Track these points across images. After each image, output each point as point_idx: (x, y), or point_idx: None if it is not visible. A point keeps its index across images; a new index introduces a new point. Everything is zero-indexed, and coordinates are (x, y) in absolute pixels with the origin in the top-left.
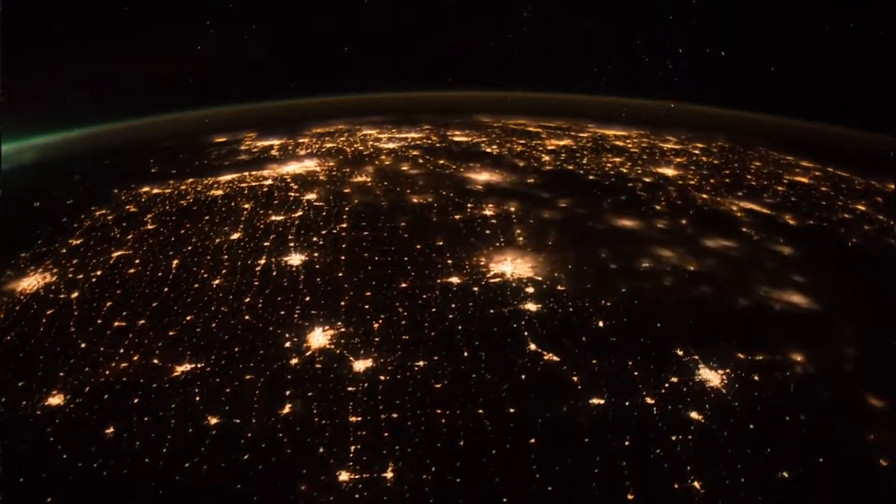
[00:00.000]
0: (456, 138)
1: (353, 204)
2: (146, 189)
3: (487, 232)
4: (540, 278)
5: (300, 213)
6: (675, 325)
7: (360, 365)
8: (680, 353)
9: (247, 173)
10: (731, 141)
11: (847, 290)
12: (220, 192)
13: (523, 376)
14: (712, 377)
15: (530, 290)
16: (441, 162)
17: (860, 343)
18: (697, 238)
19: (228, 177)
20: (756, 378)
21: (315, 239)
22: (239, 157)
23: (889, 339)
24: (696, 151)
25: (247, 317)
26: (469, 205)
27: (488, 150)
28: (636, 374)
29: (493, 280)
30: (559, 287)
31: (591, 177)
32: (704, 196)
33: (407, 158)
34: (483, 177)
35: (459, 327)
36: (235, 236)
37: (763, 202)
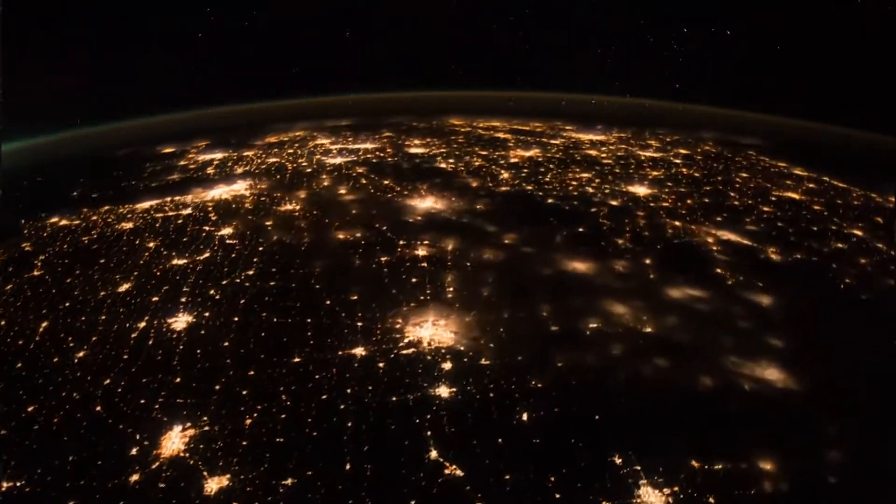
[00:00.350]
0: (412, 149)
1: (270, 242)
2: (55, 220)
3: (414, 280)
4: (462, 347)
5: (207, 255)
6: (617, 417)
7: (213, 484)
8: (618, 461)
9: (169, 199)
10: (720, 144)
11: (835, 359)
12: (129, 226)
13: (413, 502)
14: (654, 499)
15: (447, 365)
16: (385, 183)
17: (848, 442)
18: (661, 285)
19: (148, 203)
20: (711, 501)
21: (213, 292)
22: (171, 175)
23: (886, 433)
24: (678, 161)
25: (98, 408)
26: (401, 242)
27: (443, 164)
28: (557, 496)
29: (405, 351)
30: (483, 361)
31: (549, 200)
32: (677, 224)
33: (349, 178)
34: (426, 203)
35: (349, 424)
36: (124, 288)
37: (744, 230)
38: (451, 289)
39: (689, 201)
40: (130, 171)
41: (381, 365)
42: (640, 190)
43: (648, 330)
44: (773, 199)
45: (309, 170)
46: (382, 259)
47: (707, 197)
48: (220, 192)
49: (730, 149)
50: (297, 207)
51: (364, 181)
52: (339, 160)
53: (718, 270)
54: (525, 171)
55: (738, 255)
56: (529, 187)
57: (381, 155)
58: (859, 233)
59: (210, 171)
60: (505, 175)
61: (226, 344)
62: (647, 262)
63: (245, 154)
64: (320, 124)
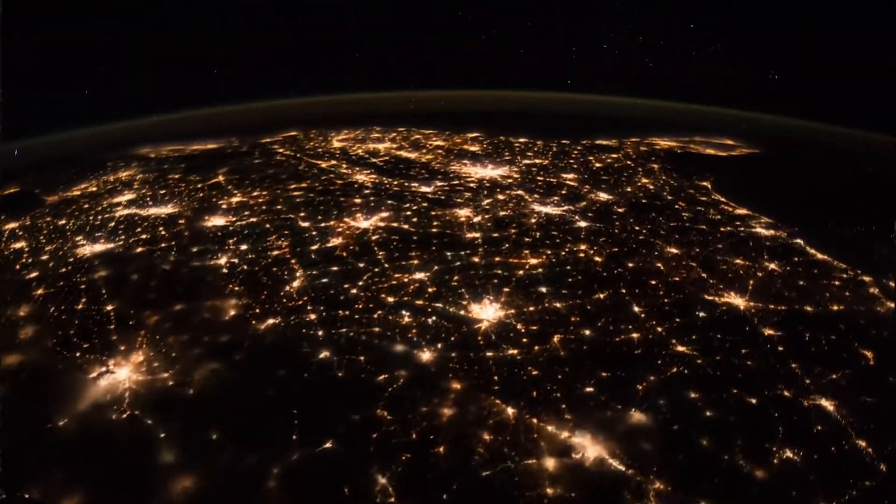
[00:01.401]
0: (215, 218)
1: None
2: None
3: None
4: None
5: None
6: None
7: None
8: None
9: None
10: (668, 169)
11: None
12: None
13: None
14: None
15: None
16: (107, 309)
17: None
18: None
19: None
20: None
21: None
22: None
23: None
24: (584, 223)
25: None
26: None
27: (222, 260)
28: None
29: None
30: None
31: (324, 352)
32: (506, 417)
33: (59, 297)
34: (114, 376)
35: None
36: None
37: (625, 425)
38: None
39: (555, 339)
40: None
41: None
42: (485, 314)
43: None
44: (702, 315)
45: (34, 274)
46: None
47: (590, 325)
48: None
49: (676, 181)
50: None
51: (80, 306)
52: (93, 249)
53: None
54: (335, 268)
55: None
56: (313, 316)
57: (162, 234)
58: (830, 406)
59: None
60: (297, 282)
61: None
62: None
63: (6, 227)
64: (183, 148)
